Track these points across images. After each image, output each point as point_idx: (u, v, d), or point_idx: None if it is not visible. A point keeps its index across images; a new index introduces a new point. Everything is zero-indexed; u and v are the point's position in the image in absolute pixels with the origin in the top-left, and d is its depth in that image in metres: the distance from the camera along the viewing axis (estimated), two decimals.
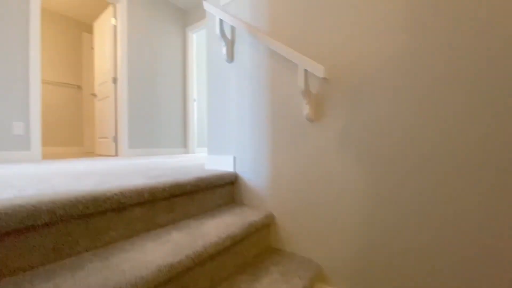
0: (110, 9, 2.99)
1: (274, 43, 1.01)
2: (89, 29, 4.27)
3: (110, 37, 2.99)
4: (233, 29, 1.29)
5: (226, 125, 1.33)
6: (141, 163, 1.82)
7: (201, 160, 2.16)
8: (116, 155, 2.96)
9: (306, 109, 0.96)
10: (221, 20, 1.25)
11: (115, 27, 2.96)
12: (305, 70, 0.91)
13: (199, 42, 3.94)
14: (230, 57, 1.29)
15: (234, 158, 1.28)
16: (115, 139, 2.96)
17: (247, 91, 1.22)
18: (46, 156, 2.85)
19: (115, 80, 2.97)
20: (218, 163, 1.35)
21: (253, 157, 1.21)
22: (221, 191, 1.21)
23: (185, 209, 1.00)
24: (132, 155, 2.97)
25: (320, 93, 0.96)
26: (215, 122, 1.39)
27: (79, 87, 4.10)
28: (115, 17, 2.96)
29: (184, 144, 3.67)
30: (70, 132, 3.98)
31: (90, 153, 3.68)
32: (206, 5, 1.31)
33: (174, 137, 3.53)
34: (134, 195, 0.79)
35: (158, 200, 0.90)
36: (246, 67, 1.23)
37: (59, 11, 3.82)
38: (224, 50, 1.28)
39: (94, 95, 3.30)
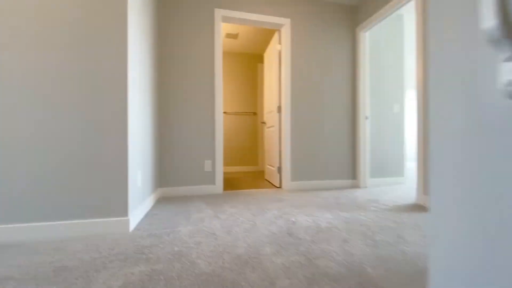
0: (276, 36, 2.93)
1: None
2: (263, 60, 4.72)
3: (276, 64, 2.93)
4: None
5: (494, 249, 0.49)
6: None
7: (393, 228, 1.31)
8: (280, 186, 2.83)
9: None
10: None
11: (279, 52, 2.85)
12: None
13: (372, 41, 3.02)
14: None
15: None
16: (279, 170, 2.85)
17: None
18: (226, 177, 3.29)
19: (279, 109, 2.86)
20: None
21: None
22: None
23: None
24: (294, 189, 2.71)
25: None
26: (458, 232, 0.58)
27: (254, 114, 4.62)
28: (279, 42, 2.85)
29: (352, 174, 2.93)
30: (247, 153, 4.57)
31: (261, 175, 3.96)
32: None
33: (340, 166, 2.89)
34: None
35: None
36: None
37: (237, 51, 4.49)
38: (507, 70, 0.45)
39: (263, 123, 3.46)
